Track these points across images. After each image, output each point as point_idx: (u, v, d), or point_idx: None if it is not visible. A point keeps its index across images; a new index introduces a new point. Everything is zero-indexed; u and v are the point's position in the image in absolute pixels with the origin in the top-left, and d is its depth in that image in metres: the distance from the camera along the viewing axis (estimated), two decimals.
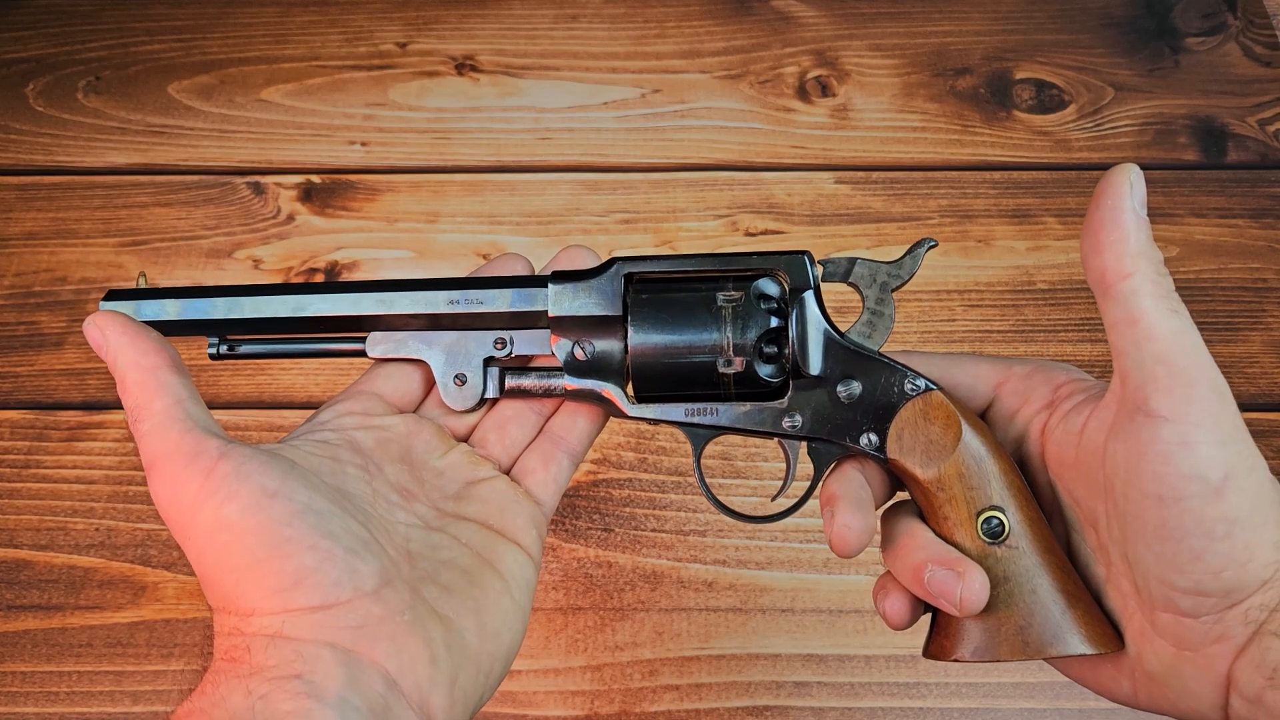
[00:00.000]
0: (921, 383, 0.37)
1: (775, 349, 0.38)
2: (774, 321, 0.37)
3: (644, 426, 0.67)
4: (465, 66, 0.83)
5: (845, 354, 0.37)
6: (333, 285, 0.40)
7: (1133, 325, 0.31)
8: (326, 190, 0.77)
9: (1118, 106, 0.80)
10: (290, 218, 0.76)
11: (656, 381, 0.38)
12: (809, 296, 0.37)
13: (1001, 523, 0.35)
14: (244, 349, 0.41)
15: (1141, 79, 0.81)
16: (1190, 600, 0.30)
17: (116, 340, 0.35)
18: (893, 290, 0.38)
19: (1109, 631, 0.34)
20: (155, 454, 0.33)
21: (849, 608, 0.60)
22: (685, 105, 0.81)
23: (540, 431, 0.41)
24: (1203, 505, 0.29)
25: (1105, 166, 0.77)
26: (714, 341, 0.37)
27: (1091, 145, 0.78)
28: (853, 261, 0.38)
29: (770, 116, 0.80)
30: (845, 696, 0.57)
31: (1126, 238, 0.31)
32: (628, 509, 0.63)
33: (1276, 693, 0.29)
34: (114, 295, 0.40)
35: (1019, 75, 0.82)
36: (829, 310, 0.38)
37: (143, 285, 0.41)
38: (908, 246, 0.39)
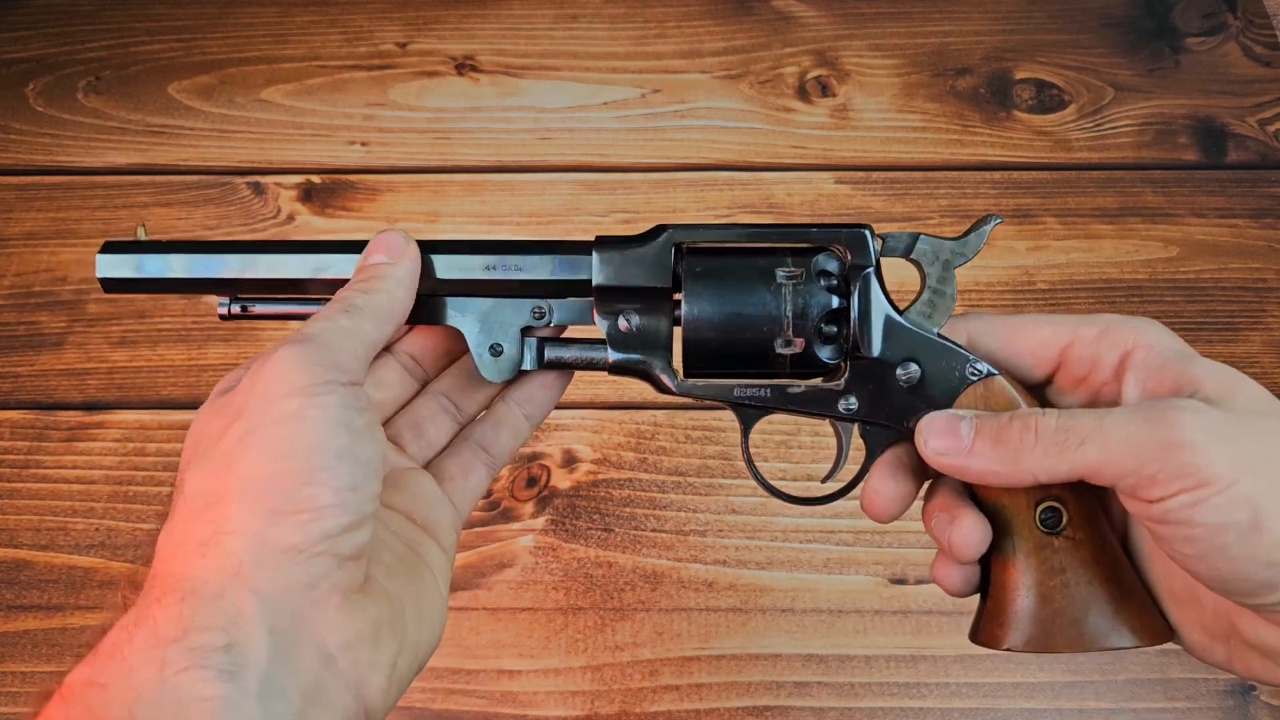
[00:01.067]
0: (983, 367, 0.35)
1: (835, 329, 0.36)
2: (835, 301, 0.36)
3: (643, 426, 0.67)
4: (465, 66, 0.83)
5: (905, 335, 0.36)
6: (357, 244, 0.38)
7: (1085, 477, 0.32)
8: (326, 190, 0.77)
9: (1118, 106, 0.80)
10: (290, 218, 0.76)
11: (709, 358, 0.36)
12: (871, 274, 0.36)
13: (1060, 513, 0.34)
14: (259, 308, 0.39)
15: (1141, 79, 0.81)
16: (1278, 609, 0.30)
17: (404, 272, 0.37)
18: (955, 268, 0.36)
19: (1160, 624, 0.34)
20: (314, 337, 0.33)
21: (849, 608, 0.60)
22: (685, 105, 0.81)
23: (457, 436, 0.41)
24: (1247, 547, 0.29)
25: (1106, 167, 0.77)
26: (773, 319, 0.35)
27: (1092, 145, 0.78)
28: (915, 237, 0.36)
29: (770, 116, 0.80)
30: (845, 696, 0.57)
31: (993, 470, 0.33)
32: (628, 509, 0.63)
33: None
34: (111, 247, 0.37)
35: (1019, 75, 0.82)
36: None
37: (142, 237, 0.39)
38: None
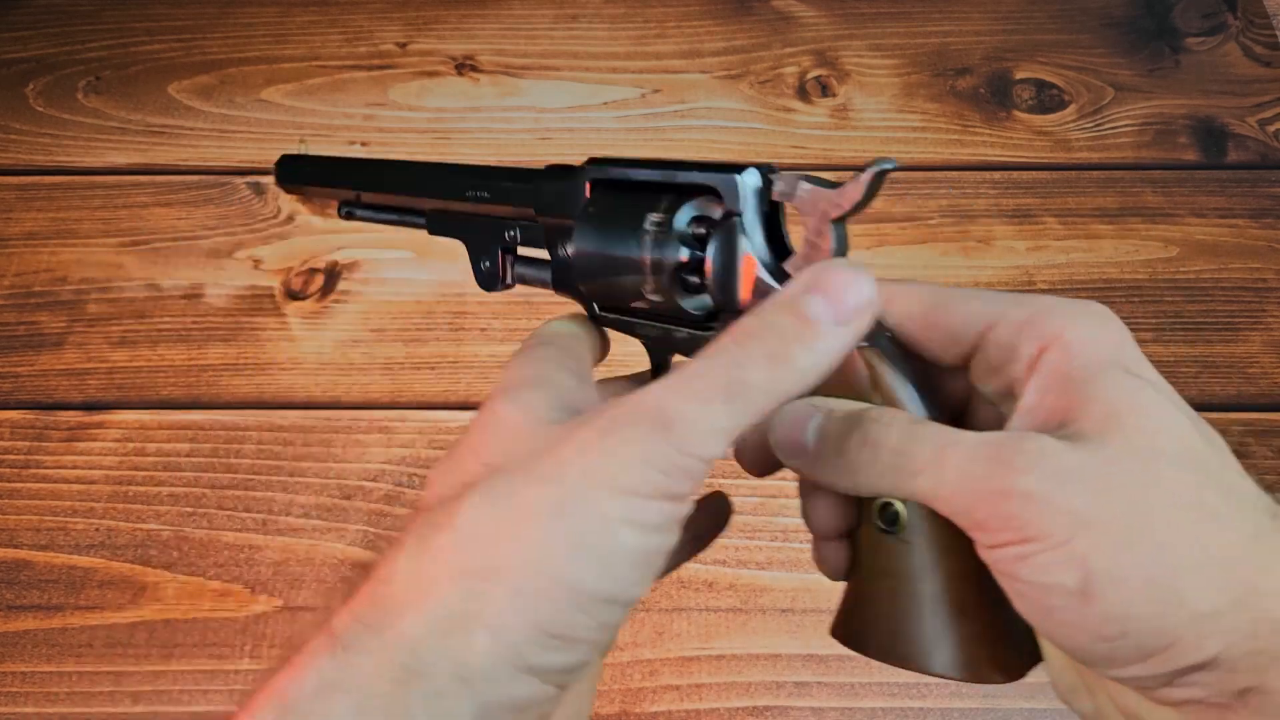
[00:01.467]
0: None
1: (698, 280, 0.33)
2: (685, 253, 0.33)
3: None
4: (465, 66, 0.83)
5: (771, 292, 0.32)
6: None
7: (924, 501, 0.28)
8: None
9: (1118, 106, 0.80)
10: (290, 218, 0.76)
11: (598, 296, 0.35)
12: (737, 224, 0.32)
13: (897, 514, 0.30)
14: (361, 214, 0.42)
15: (1141, 79, 0.81)
16: (1137, 684, 0.26)
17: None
18: (833, 220, 0.32)
19: (995, 659, 0.29)
20: (687, 427, 0.27)
21: None
22: (685, 105, 0.81)
23: None
24: (1077, 616, 0.25)
25: (1106, 167, 0.77)
26: (636, 266, 0.33)
27: (1092, 145, 0.78)
28: (799, 180, 0.32)
29: (770, 116, 0.80)
30: (846, 696, 0.57)
31: (824, 475, 0.30)
32: None
33: None
34: (287, 161, 0.38)
35: (1019, 75, 0.82)
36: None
37: (305, 151, 0.41)
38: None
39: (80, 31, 0.85)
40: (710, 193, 0.33)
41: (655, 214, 0.33)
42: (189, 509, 0.63)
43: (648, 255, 0.33)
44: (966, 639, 0.30)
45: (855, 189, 0.31)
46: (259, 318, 0.71)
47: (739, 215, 0.32)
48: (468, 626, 0.25)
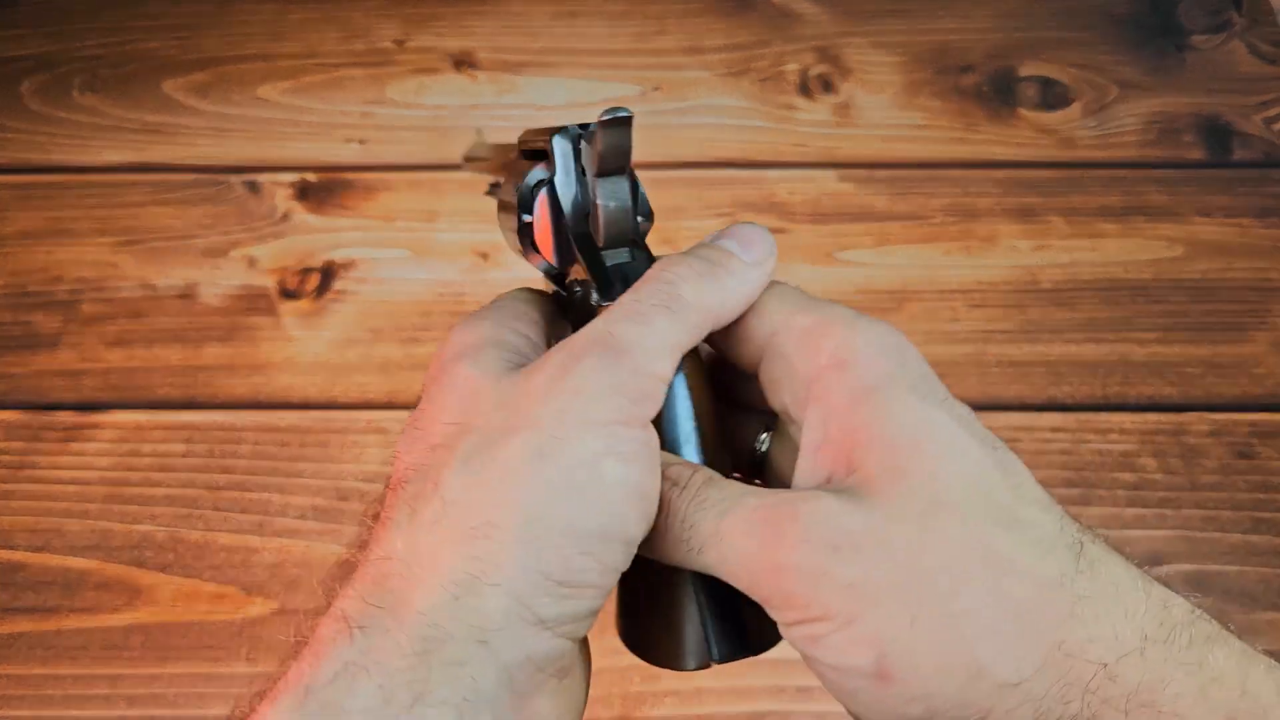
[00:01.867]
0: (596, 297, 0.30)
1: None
2: (525, 217, 0.33)
3: None
4: (463, 63, 0.83)
5: (570, 250, 0.32)
6: None
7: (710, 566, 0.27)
8: (323, 188, 0.76)
9: (1122, 104, 0.79)
10: (286, 216, 0.75)
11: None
12: (545, 186, 0.32)
13: None
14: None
15: (1146, 76, 0.81)
16: None
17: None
18: (591, 176, 0.31)
19: (745, 637, 0.29)
20: (635, 348, 0.27)
21: None
22: (686, 103, 0.80)
23: None
24: (876, 695, 0.24)
25: (1110, 165, 0.76)
26: (510, 232, 0.34)
27: (1096, 143, 0.77)
28: (579, 136, 0.32)
29: (772, 114, 0.79)
30: None
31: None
32: None
33: None
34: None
35: (1023, 73, 0.81)
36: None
37: (485, 140, 0.39)
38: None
39: (75, 29, 0.85)
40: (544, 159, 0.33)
41: (497, 179, 0.33)
42: (184, 510, 0.63)
43: (509, 221, 0.34)
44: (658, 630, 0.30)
45: (593, 145, 0.30)
46: (255, 317, 0.71)
47: (546, 176, 0.32)
48: (478, 589, 0.24)
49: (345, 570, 0.27)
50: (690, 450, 0.29)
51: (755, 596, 0.25)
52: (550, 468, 0.25)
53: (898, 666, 0.23)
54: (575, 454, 0.25)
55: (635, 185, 0.33)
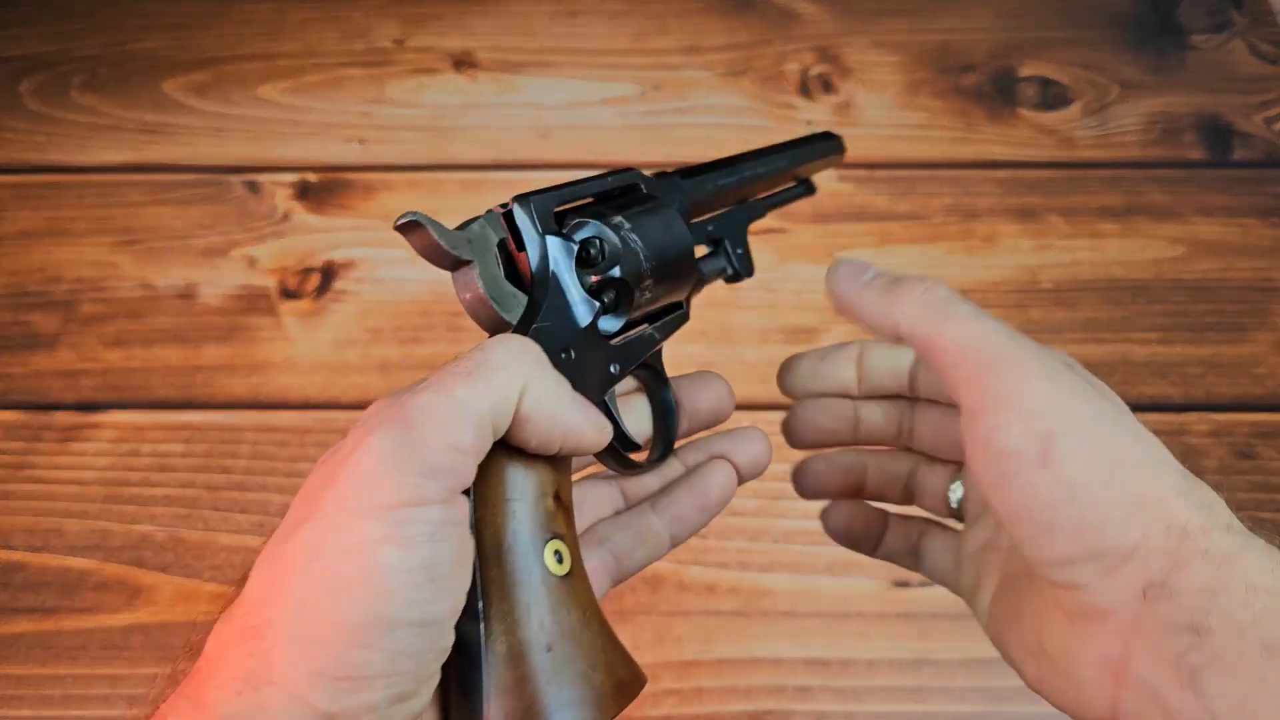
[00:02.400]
0: None
1: None
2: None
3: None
4: (463, 63, 0.83)
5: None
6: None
7: (933, 350, 0.31)
8: (323, 188, 0.76)
9: (1123, 104, 0.79)
10: (286, 216, 0.75)
11: None
12: (490, 255, 0.33)
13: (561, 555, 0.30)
14: None
15: (1147, 76, 0.81)
16: (1064, 571, 0.29)
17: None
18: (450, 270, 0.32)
19: (628, 681, 0.31)
20: (423, 420, 0.27)
21: (852, 611, 0.59)
22: (686, 102, 0.80)
23: (588, 533, 0.39)
24: (1033, 477, 0.28)
25: (1110, 165, 0.76)
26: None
27: (1097, 143, 0.77)
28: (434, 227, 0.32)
29: (772, 113, 0.79)
30: (848, 700, 0.57)
31: (869, 304, 0.33)
32: None
33: (1190, 698, 0.26)
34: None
35: (1023, 72, 0.81)
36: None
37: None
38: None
39: (74, 29, 0.85)
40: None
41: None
42: (184, 511, 0.63)
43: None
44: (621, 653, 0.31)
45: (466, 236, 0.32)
46: (254, 317, 0.71)
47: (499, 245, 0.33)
48: (258, 686, 0.24)
49: (194, 650, 0.27)
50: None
51: (963, 373, 0.30)
52: (323, 561, 0.25)
53: (1059, 456, 0.28)
54: (349, 544, 0.25)
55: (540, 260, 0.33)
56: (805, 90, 0.81)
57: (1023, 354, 0.30)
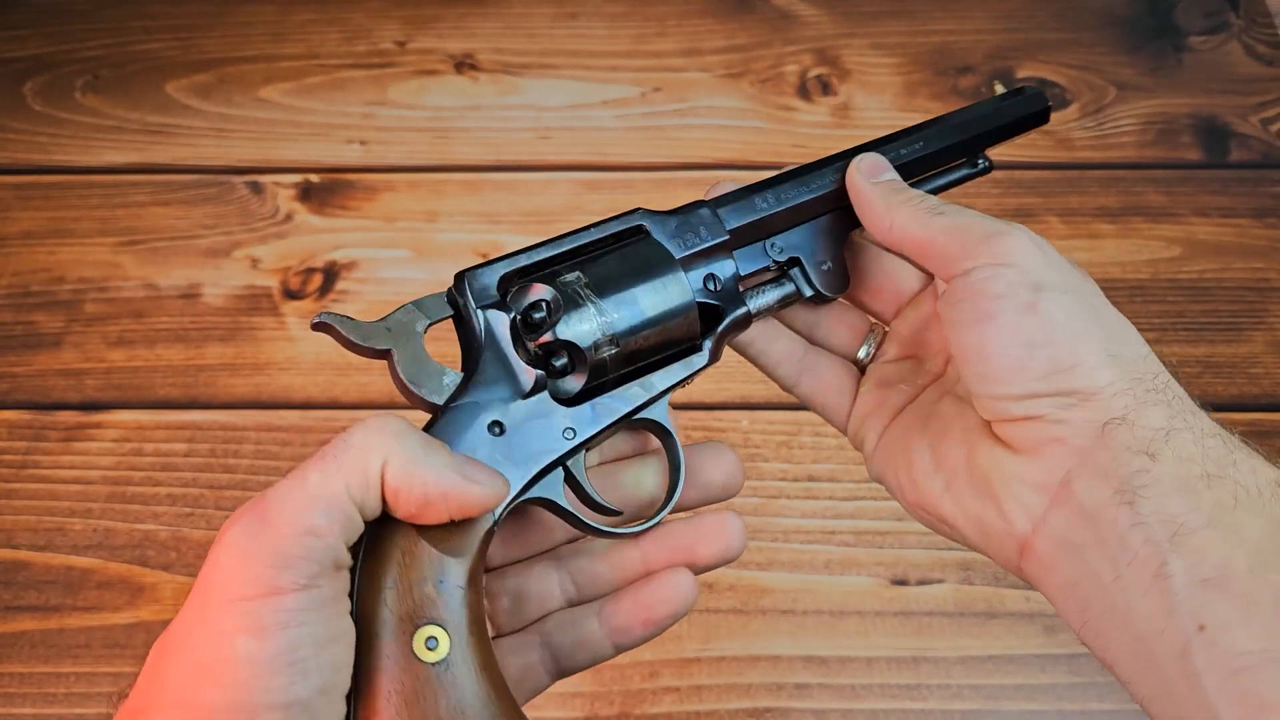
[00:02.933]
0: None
1: None
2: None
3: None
4: (464, 65, 0.83)
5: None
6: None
7: (923, 244, 0.35)
8: (325, 189, 0.77)
9: (1120, 105, 0.80)
10: (288, 217, 0.76)
11: None
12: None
13: (437, 640, 0.30)
14: None
15: (1144, 78, 0.81)
16: (1024, 405, 0.31)
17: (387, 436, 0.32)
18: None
19: None
20: (277, 514, 0.28)
21: (850, 609, 0.60)
22: (686, 104, 0.80)
23: (532, 627, 0.38)
24: (1018, 317, 0.31)
25: (1108, 166, 0.77)
26: None
27: (1094, 144, 0.78)
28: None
29: (771, 115, 0.80)
30: (846, 698, 0.57)
31: (872, 202, 0.36)
32: None
33: (1123, 511, 0.29)
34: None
35: (1021, 74, 0.82)
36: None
37: (999, 91, 0.42)
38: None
39: (78, 30, 0.85)
40: None
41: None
42: (187, 509, 0.63)
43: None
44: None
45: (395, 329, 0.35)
46: (257, 317, 0.71)
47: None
48: None
49: None
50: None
51: (956, 252, 0.34)
52: (188, 652, 0.27)
53: (1046, 303, 0.32)
54: (209, 635, 0.27)
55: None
56: (804, 92, 0.81)
57: (1016, 229, 0.33)
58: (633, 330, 0.34)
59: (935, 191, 0.41)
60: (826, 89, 0.81)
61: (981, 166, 0.42)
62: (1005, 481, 0.32)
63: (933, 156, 0.40)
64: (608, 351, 0.34)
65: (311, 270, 0.73)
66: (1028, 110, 0.42)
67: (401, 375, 0.34)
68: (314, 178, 0.77)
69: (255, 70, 0.83)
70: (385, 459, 0.29)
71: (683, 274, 0.35)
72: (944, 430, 0.35)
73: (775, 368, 0.40)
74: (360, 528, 0.29)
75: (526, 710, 0.32)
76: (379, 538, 0.30)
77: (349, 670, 0.28)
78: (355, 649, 0.29)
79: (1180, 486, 0.28)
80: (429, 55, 0.83)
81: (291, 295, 0.72)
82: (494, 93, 0.81)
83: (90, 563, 0.62)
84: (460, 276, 0.35)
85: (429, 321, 0.35)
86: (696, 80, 0.82)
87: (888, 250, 0.40)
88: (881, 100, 0.80)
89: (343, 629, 0.28)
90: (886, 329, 0.41)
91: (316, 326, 0.33)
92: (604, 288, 0.34)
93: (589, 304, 0.33)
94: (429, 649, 0.29)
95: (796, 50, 0.83)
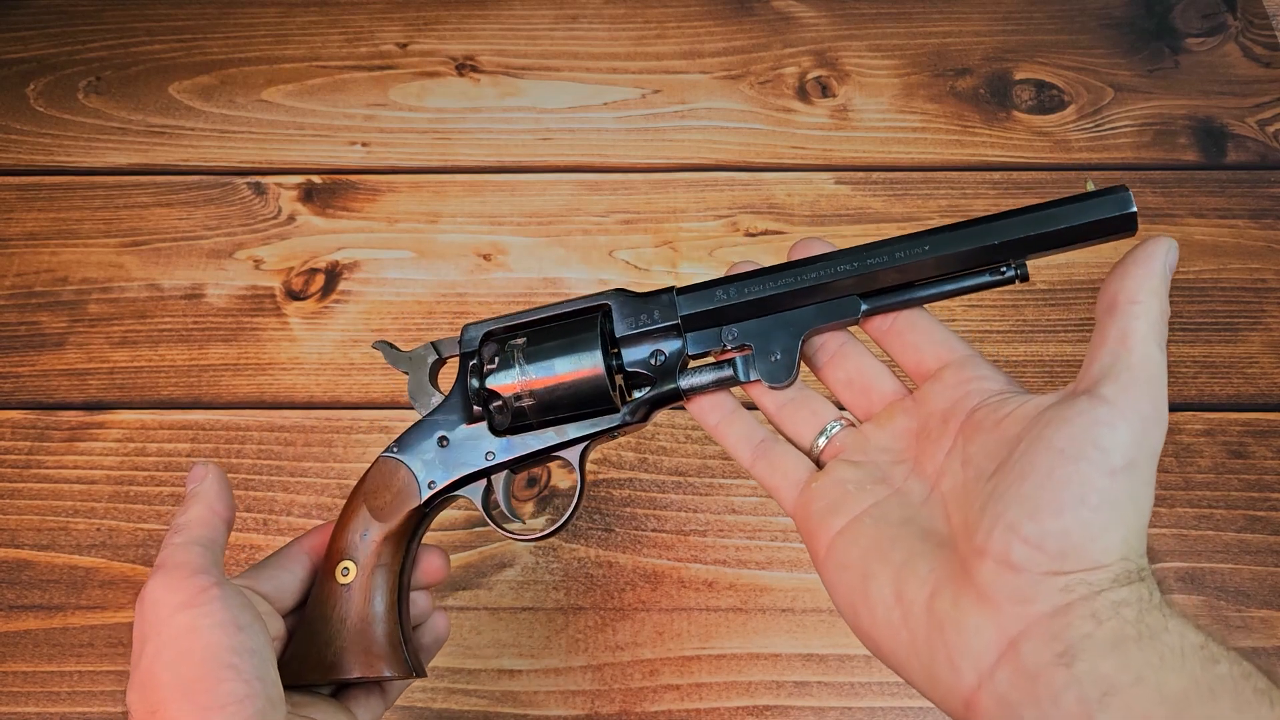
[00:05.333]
0: (394, 449, 0.45)
1: None
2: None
3: (645, 427, 0.67)
4: (466, 67, 0.83)
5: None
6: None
7: (1122, 341, 0.33)
8: (327, 190, 0.77)
9: (1117, 107, 0.80)
10: (291, 218, 0.76)
11: None
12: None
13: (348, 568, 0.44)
14: None
15: (1141, 79, 0.81)
16: (1025, 551, 0.31)
17: (210, 483, 0.42)
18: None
19: (412, 660, 0.44)
20: (170, 560, 0.39)
21: None
22: (686, 106, 0.81)
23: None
24: (1094, 472, 0.31)
25: (1105, 167, 0.77)
26: None
27: (1091, 146, 0.78)
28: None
29: (770, 117, 0.80)
30: (845, 696, 0.57)
31: (1152, 274, 0.34)
32: (628, 509, 0.63)
33: (1060, 670, 0.29)
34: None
35: (1019, 76, 0.82)
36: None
37: (1091, 188, 0.37)
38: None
39: (81, 32, 0.86)
40: None
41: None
42: None
43: None
44: (390, 652, 0.43)
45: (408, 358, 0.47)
46: (260, 318, 0.71)
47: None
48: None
49: None
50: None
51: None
52: (170, 654, 0.37)
53: (1125, 477, 0.32)
54: (175, 633, 0.37)
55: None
56: (803, 94, 0.81)
57: (1164, 410, 0.33)
58: (547, 389, 0.42)
59: (950, 296, 0.40)
60: (825, 91, 0.82)
61: (1009, 275, 0.38)
62: (961, 631, 0.32)
63: (955, 259, 0.39)
64: (526, 402, 0.43)
65: (314, 271, 0.73)
66: (1092, 217, 0.36)
67: (409, 391, 0.46)
68: (316, 179, 0.78)
69: (258, 72, 0.83)
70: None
71: (598, 351, 0.42)
72: (909, 565, 0.35)
73: (734, 448, 0.42)
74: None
75: None
76: (350, 498, 0.45)
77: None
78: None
79: (1114, 647, 0.29)
80: (430, 57, 0.84)
81: (294, 296, 0.72)
82: (495, 95, 0.82)
83: (94, 562, 0.62)
84: (467, 328, 0.45)
85: (438, 358, 0.46)
86: (696, 82, 0.82)
87: (878, 349, 0.41)
88: (880, 102, 0.81)
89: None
90: (852, 423, 0.41)
91: (374, 346, 0.47)
92: (533, 353, 0.43)
93: (516, 365, 0.43)
94: (343, 575, 0.44)
95: (795, 52, 0.84)
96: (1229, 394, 0.67)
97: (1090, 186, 0.37)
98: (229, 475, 0.64)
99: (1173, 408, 0.66)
